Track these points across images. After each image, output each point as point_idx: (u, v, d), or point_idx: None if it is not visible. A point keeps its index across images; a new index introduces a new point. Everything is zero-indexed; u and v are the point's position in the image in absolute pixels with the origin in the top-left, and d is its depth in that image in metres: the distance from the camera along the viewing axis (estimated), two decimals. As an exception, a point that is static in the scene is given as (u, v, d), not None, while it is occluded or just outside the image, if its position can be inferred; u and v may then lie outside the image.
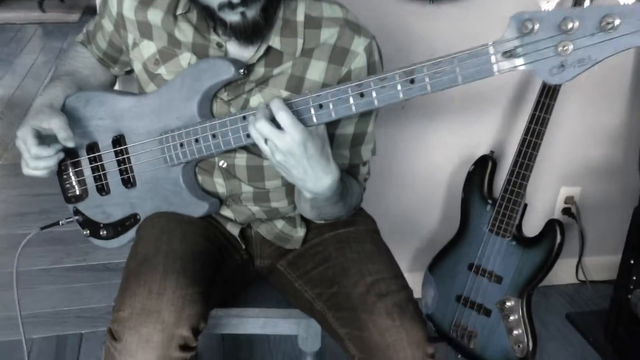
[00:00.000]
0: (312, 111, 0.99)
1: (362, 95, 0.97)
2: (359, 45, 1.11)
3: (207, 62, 1.12)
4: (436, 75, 0.90)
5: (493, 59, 0.85)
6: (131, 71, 1.34)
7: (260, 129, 0.95)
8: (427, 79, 0.91)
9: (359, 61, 1.12)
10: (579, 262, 2.09)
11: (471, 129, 1.87)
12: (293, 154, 0.95)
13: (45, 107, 1.16)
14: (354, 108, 0.98)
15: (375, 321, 1.03)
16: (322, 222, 1.23)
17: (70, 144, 1.12)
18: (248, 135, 1.06)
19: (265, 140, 0.97)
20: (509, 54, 0.84)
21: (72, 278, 2.20)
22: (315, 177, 0.98)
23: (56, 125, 1.11)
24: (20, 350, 1.82)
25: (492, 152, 1.74)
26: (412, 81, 0.93)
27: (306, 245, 1.25)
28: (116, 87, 1.64)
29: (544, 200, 2.01)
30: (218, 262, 1.18)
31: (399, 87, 0.94)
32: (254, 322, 1.26)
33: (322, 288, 1.15)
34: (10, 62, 4.37)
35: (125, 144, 1.22)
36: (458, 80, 0.89)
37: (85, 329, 1.94)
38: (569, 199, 2.02)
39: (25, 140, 1.11)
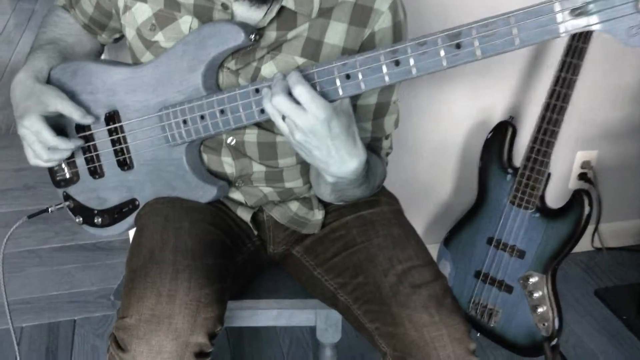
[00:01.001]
0: (338, 82, 0.86)
1: (397, 63, 0.83)
2: (383, 2, 0.98)
3: (211, 27, 0.98)
4: (488, 39, 0.78)
5: (559, 17, 0.73)
6: (120, 38, 1.19)
7: (277, 105, 0.83)
8: (476, 43, 0.78)
9: (383, 21, 0.99)
10: (596, 229, 2.01)
11: (486, 92, 1.75)
12: (315, 134, 0.83)
13: (33, 82, 1.03)
14: (387, 78, 0.85)
15: (410, 316, 0.93)
16: (341, 203, 1.11)
17: (90, 121, 1.05)
18: (262, 111, 0.93)
19: (283, 117, 0.84)
20: (579, 12, 0.72)
21: (61, 259, 2.07)
22: (340, 160, 0.86)
23: (65, 107, 1.02)
24: (9, 340, 1.72)
25: (511, 117, 1.62)
26: (458, 46, 0.80)
27: (325, 230, 1.13)
28: (104, 57, 1.50)
29: (559, 166, 1.90)
30: (231, 253, 1.06)
31: (442, 52, 0.81)
32: (268, 314, 1.16)
33: (346, 277, 1.04)
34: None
35: (119, 121, 1.08)
36: (515, 42, 0.76)
37: (78, 314, 1.83)
38: (585, 164, 1.92)
39: (37, 132, 1.00)
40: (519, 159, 1.55)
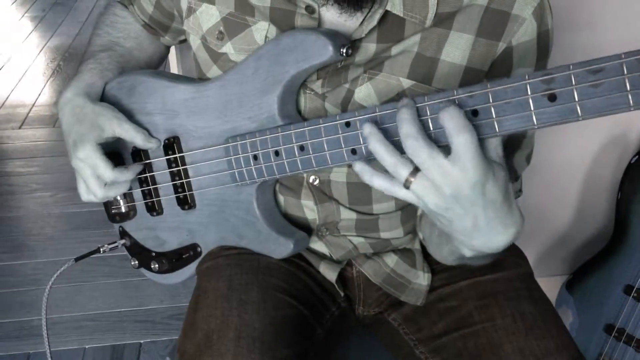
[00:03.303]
0: None
1: (553, 97, 0.57)
2: (525, 5, 0.72)
3: (291, 38, 0.75)
4: None
5: None
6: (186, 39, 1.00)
7: (413, 152, 0.55)
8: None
9: (524, 32, 0.73)
10: None
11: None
12: (461, 200, 0.56)
13: (84, 101, 0.86)
14: (535, 119, 0.57)
15: None
16: None
17: (154, 145, 0.88)
18: (354, 151, 0.69)
19: (407, 182, 0.56)
20: None
21: (131, 270, 1.91)
22: (489, 234, 0.60)
23: (125, 131, 0.85)
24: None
25: (664, 138, 1.30)
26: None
27: (431, 296, 0.89)
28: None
29: None
30: (311, 330, 0.84)
31: (627, 84, 0.53)
32: (355, 393, 0.93)
33: (459, 366, 0.80)
34: (70, 6, 4.07)
35: (180, 150, 0.88)
36: None
37: (144, 337, 1.69)
38: None
39: (94, 165, 0.83)
40: (670, 190, 1.24)
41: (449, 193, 0.55)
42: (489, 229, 0.59)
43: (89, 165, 0.83)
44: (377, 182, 0.59)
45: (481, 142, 0.56)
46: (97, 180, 0.85)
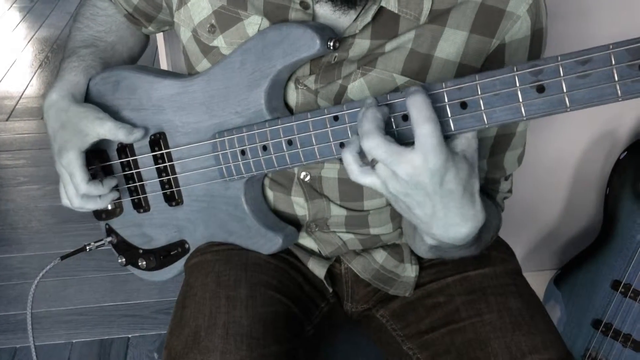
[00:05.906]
0: (449, 112, 0.60)
1: (541, 89, 0.56)
2: (520, 3, 0.72)
3: (277, 31, 0.75)
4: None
5: None
6: (169, 29, 0.99)
7: (371, 150, 0.56)
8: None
9: (518, 29, 0.72)
10: None
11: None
12: (420, 187, 0.57)
13: (68, 104, 0.84)
14: (523, 110, 0.57)
15: None
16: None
17: (139, 135, 0.85)
18: (342, 145, 0.69)
19: (373, 162, 0.59)
20: None
21: (119, 265, 1.92)
22: (447, 223, 0.61)
23: (108, 130, 0.82)
24: (61, 356, 1.60)
25: (652, 134, 1.31)
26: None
27: (419, 292, 0.88)
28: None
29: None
30: (300, 327, 0.83)
31: (615, 75, 0.53)
32: (343, 388, 0.93)
33: (447, 362, 0.80)
34: (58, -2, 4.03)
35: (167, 146, 0.87)
36: None
37: (132, 332, 1.68)
38: None
39: (72, 173, 0.82)
40: (658, 186, 1.24)
41: (409, 179, 0.56)
42: (447, 219, 0.60)
43: (69, 173, 0.83)
44: (349, 159, 0.60)
45: (456, 135, 0.58)
46: (75, 189, 0.84)
